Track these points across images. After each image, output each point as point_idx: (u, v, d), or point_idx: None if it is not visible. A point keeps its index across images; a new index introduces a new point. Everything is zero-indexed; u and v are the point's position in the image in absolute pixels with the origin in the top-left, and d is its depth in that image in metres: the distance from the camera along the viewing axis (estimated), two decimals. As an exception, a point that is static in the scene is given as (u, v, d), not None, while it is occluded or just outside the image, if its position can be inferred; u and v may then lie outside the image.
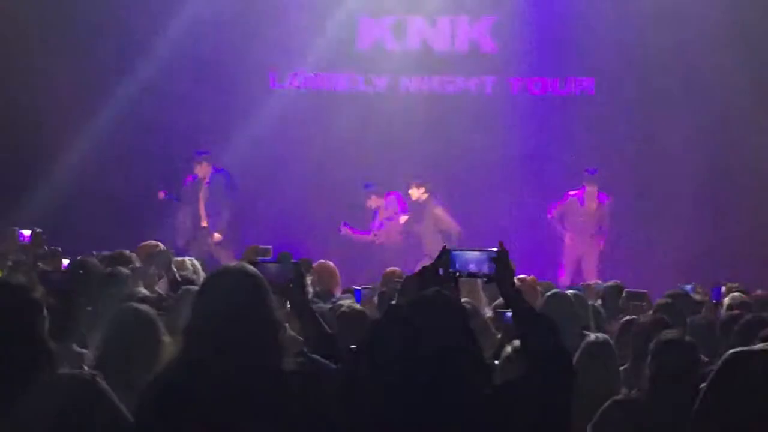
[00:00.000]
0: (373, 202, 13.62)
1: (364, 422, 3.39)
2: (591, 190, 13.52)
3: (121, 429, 3.52)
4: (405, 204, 13.68)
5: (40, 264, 7.62)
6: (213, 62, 14.42)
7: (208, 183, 13.70)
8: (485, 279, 3.68)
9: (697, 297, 8.54)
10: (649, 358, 4.87)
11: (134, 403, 3.53)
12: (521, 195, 13.80)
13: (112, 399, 3.56)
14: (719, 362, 4.04)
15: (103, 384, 3.59)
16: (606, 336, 5.60)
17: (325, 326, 4.07)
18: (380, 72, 14.64)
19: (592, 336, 5.53)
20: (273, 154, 14.28)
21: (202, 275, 7.93)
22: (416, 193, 13.58)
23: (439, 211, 13.54)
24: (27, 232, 8.14)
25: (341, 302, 6.69)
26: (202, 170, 13.70)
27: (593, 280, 11.03)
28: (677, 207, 13.76)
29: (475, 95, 14.61)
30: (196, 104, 14.30)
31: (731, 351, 4.04)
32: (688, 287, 8.89)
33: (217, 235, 13.54)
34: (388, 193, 13.66)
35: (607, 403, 4.90)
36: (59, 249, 8.16)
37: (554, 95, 14.53)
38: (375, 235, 13.49)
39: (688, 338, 4.95)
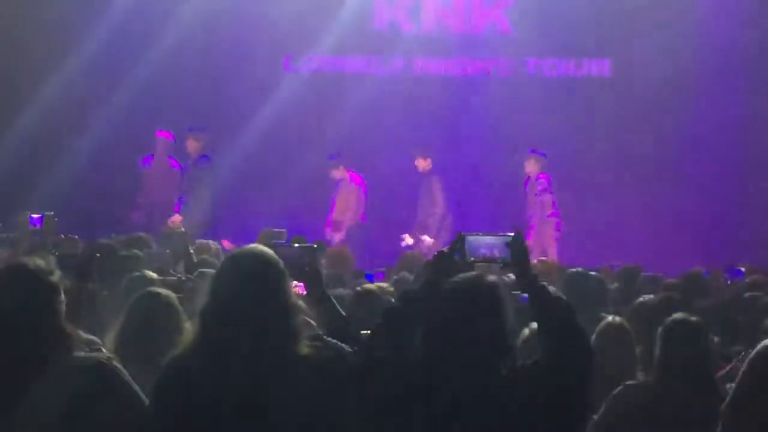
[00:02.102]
0: (338, 173, 13.44)
1: (379, 405, 3.39)
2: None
3: (136, 411, 3.53)
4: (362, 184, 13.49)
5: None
6: (227, 46, 14.39)
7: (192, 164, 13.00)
8: (501, 264, 3.65)
9: (716, 281, 8.51)
10: (659, 341, 4.84)
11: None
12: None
13: (127, 381, 3.57)
14: (753, 354, 3.96)
15: (119, 367, 3.59)
16: (622, 319, 5.57)
17: (341, 310, 4.07)
18: (395, 54, 14.60)
19: (609, 318, 5.51)
20: (287, 137, 14.25)
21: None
22: (422, 164, 13.46)
23: (437, 188, 13.39)
24: (38, 216, 7.99)
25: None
26: (194, 149, 13.02)
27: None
28: (696, 189, 13.72)
29: (491, 77, 14.57)
30: (210, 88, 14.28)
31: (765, 344, 3.95)
32: (704, 270, 8.86)
33: (177, 218, 12.61)
34: (352, 173, 13.46)
35: (619, 387, 4.88)
36: (76, 237, 8.11)
37: (570, 77, 14.48)
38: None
39: (695, 320, 4.89)
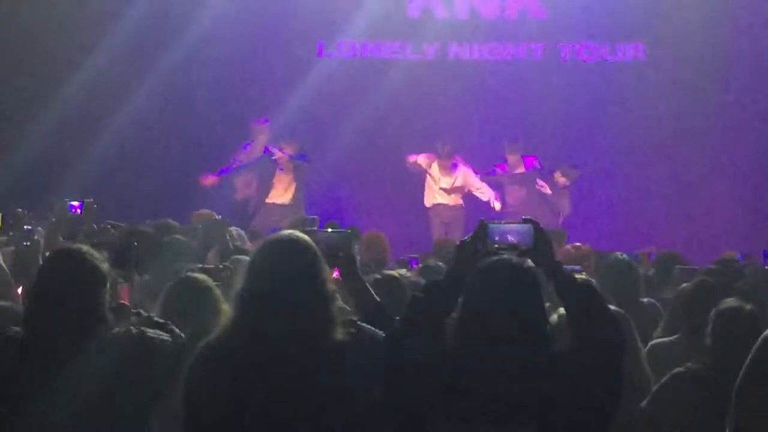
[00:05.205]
0: (514, 158, 13.46)
1: (409, 392, 3.41)
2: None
3: (170, 379, 3.61)
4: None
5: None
6: (261, 31, 14.42)
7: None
8: (525, 251, 3.63)
9: (751, 265, 8.46)
10: (709, 327, 4.81)
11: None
12: (572, 163, 13.68)
13: (161, 350, 3.67)
14: (760, 340, 3.95)
15: (152, 337, 3.69)
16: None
17: (375, 295, 4.09)
18: (429, 40, 14.58)
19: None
20: (321, 124, 14.26)
21: (249, 245, 7.96)
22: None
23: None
24: (78, 203, 7.96)
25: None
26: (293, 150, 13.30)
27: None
28: (731, 173, 13.64)
29: (525, 62, 14.52)
30: (243, 74, 14.31)
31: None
32: (739, 256, 8.82)
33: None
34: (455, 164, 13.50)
35: (666, 377, 4.84)
36: (109, 226, 8.12)
37: (605, 61, 14.41)
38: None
39: (749, 307, 4.87)
